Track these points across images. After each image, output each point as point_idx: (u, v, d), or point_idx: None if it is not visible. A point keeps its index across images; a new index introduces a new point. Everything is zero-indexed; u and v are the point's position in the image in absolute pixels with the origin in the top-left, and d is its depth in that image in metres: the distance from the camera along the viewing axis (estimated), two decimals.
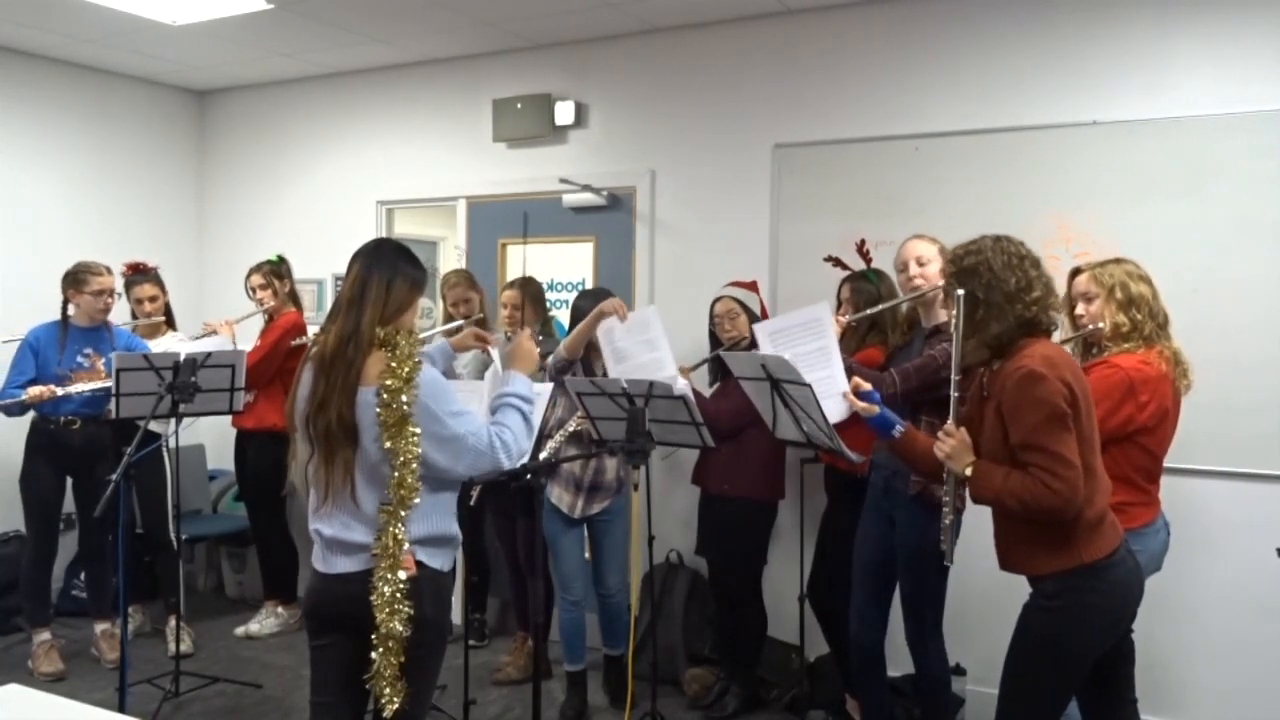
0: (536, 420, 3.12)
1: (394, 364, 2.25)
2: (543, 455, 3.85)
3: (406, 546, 2.27)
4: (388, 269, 2.35)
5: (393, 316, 2.34)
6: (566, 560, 4.02)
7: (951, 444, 2.46)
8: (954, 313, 2.48)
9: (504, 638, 4.95)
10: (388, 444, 2.22)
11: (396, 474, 2.24)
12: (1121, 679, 2.62)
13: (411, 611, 2.25)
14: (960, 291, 2.43)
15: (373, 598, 2.23)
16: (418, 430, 2.24)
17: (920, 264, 3.23)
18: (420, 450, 2.25)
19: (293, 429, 2.40)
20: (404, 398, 2.22)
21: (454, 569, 2.54)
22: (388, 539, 2.25)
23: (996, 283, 2.36)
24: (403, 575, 2.25)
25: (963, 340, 2.44)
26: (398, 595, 2.24)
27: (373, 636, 2.24)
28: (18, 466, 4.58)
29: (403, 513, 2.26)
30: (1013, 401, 2.31)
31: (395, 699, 2.26)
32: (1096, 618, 2.36)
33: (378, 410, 2.23)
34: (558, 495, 3.98)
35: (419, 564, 2.30)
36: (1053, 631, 2.35)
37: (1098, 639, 2.38)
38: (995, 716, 2.46)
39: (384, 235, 5.55)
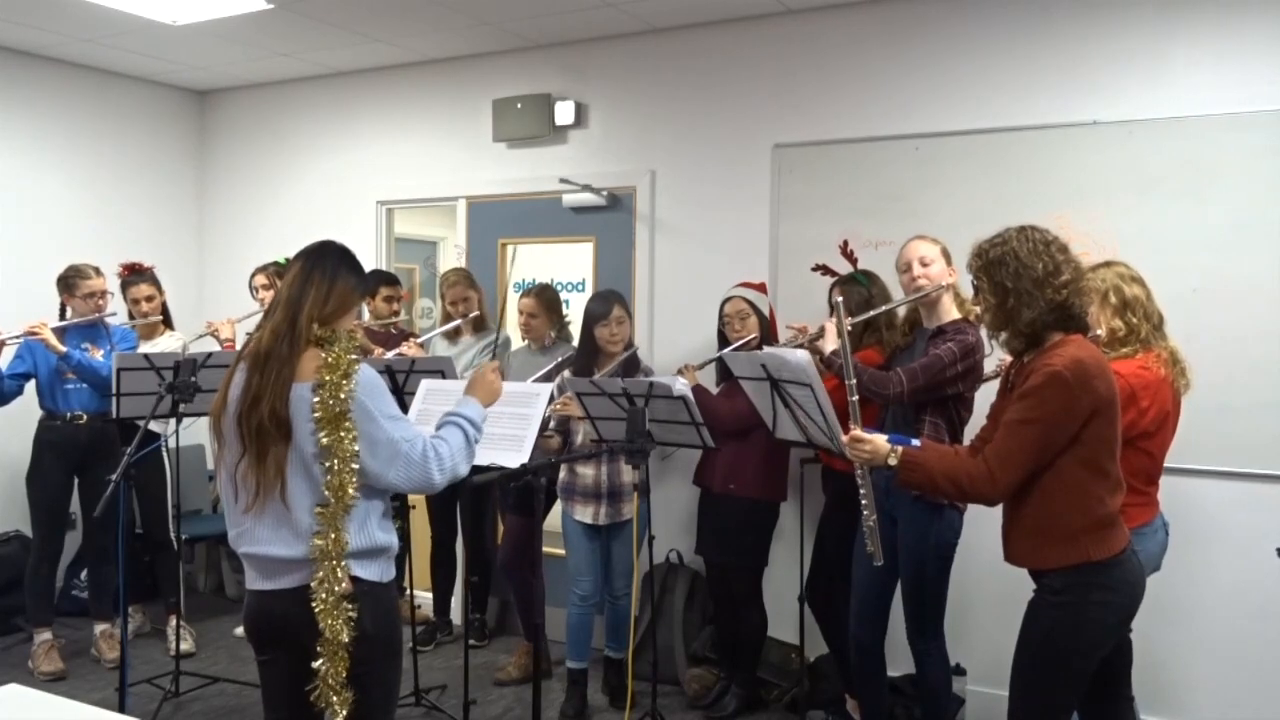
0: (536, 420, 3.13)
1: (330, 359, 2.20)
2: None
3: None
4: (329, 269, 2.31)
5: (331, 317, 2.29)
6: (579, 554, 4.02)
7: (867, 448, 2.52)
8: (836, 317, 2.63)
9: (504, 637, 4.96)
10: (324, 440, 2.16)
11: (333, 473, 2.17)
12: (1119, 675, 2.63)
13: (355, 615, 2.19)
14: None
15: (314, 604, 2.17)
16: (354, 428, 2.19)
17: (923, 264, 3.23)
18: (356, 449, 2.19)
19: (218, 431, 2.32)
20: (341, 394, 2.17)
21: (459, 570, 2.50)
22: (326, 542, 2.17)
23: (1024, 270, 2.35)
24: (342, 576, 2.18)
25: (996, 331, 2.46)
26: (341, 600, 2.18)
27: (317, 646, 2.18)
28: (16, 466, 4.59)
29: (342, 513, 2.19)
30: (1027, 388, 2.32)
31: (341, 709, 2.19)
32: (1104, 614, 2.36)
33: (314, 405, 2.18)
34: (579, 511, 3.97)
35: (355, 579, 2.22)
36: (1060, 628, 2.36)
37: (1105, 636, 2.39)
38: (1007, 714, 2.46)
39: (384, 236, 5.57)
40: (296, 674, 2.24)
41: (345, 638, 2.18)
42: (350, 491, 2.19)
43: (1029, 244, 2.38)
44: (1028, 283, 2.34)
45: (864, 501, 2.78)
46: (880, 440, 2.53)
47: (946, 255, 3.26)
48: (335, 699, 2.19)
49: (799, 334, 3.57)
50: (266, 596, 2.28)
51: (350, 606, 2.19)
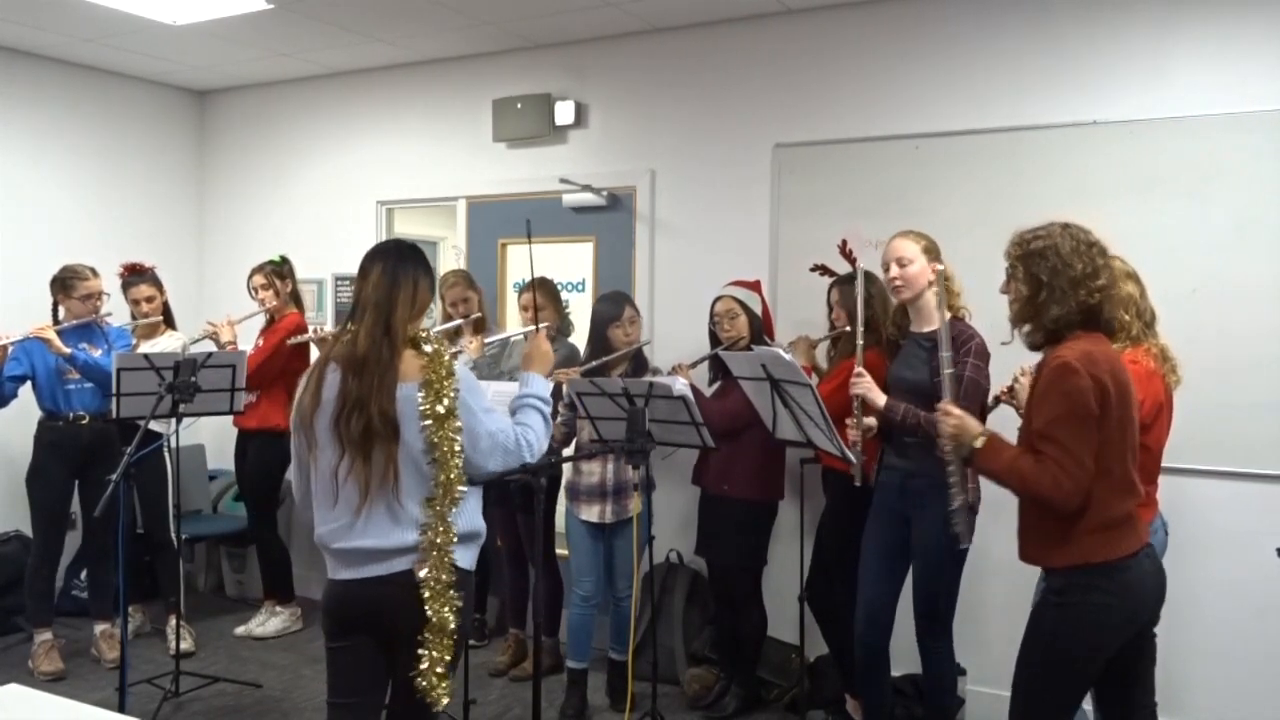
0: None
1: (432, 360, 2.30)
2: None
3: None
4: (412, 270, 2.40)
5: (416, 316, 2.40)
6: (582, 554, 4.02)
7: (954, 420, 2.47)
8: (935, 289, 2.51)
9: (504, 638, 4.94)
10: (435, 438, 2.26)
11: (441, 467, 2.28)
12: (1140, 681, 2.54)
13: (460, 604, 2.31)
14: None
15: (424, 592, 2.26)
16: (460, 424, 2.30)
17: (901, 265, 3.17)
18: (461, 444, 2.30)
19: (308, 433, 2.36)
20: (448, 392, 2.28)
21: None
22: (435, 533, 2.28)
23: (1063, 267, 2.34)
24: (449, 565, 2.29)
25: (1020, 324, 2.43)
26: (449, 588, 2.28)
27: (426, 633, 2.26)
28: (16, 466, 4.58)
29: (450, 506, 2.29)
30: (1042, 389, 2.32)
31: (445, 697, 2.28)
32: (1104, 616, 2.34)
33: (421, 405, 2.27)
34: (584, 510, 3.98)
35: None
36: (1059, 628, 2.35)
37: (1104, 639, 2.36)
38: (1009, 713, 2.46)
39: (384, 235, 5.56)
40: (374, 660, 2.35)
41: (453, 624, 2.28)
42: (458, 484, 2.30)
43: (1072, 241, 2.37)
44: (1064, 280, 2.33)
45: (952, 481, 2.65)
46: (973, 419, 2.47)
47: (931, 251, 3.19)
48: (439, 687, 2.27)
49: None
50: (357, 585, 2.34)
51: (457, 595, 2.30)
